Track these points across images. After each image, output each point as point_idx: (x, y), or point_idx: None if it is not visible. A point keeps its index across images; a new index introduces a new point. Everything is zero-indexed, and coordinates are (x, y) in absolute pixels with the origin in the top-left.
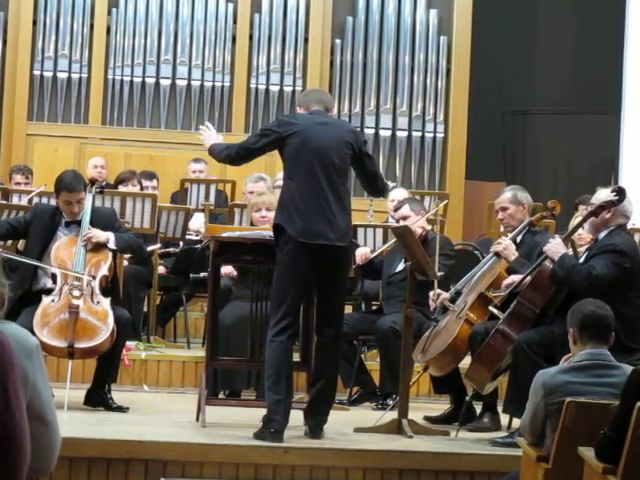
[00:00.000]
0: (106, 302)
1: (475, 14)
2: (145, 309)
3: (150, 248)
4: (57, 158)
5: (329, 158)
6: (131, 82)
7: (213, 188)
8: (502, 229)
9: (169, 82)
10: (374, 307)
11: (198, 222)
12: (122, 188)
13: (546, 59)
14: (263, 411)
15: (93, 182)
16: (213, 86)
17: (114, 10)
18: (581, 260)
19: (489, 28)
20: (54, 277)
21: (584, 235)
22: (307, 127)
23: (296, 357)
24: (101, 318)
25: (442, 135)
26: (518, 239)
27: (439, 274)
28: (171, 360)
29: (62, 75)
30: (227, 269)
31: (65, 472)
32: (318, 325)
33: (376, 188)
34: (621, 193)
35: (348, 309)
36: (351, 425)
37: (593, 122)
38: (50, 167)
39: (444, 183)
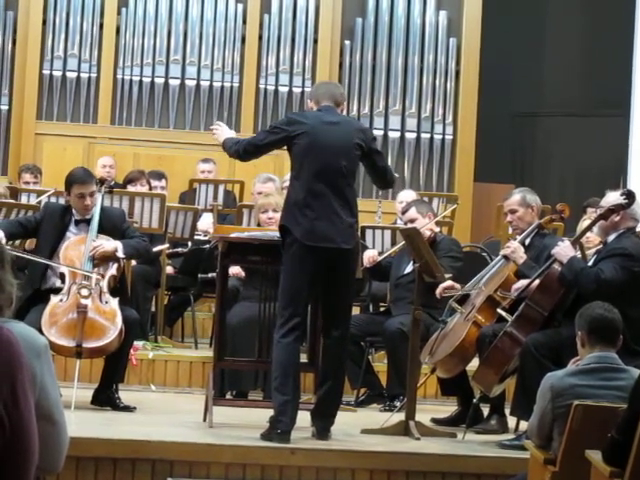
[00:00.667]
0: (114, 302)
1: (484, 16)
2: (153, 309)
3: (158, 248)
4: (66, 157)
5: (337, 160)
6: (140, 82)
7: (222, 188)
8: (511, 231)
9: (178, 82)
10: (382, 309)
11: (206, 222)
12: (131, 188)
13: (555, 61)
14: (270, 412)
15: (102, 182)
16: (222, 86)
17: (124, 10)
18: (590, 263)
19: (498, 30)
20: (62, 276)
21: (592, 238)
22: (316, 127)
23: (303, 358)
24: (109, 318)
25: (451, 137)
26: (527, 242)
27: (447, 276)
28: (178, 360)
29: (71, 75)
30: (235, 270)
31: (72, 472)
32: (324, 327)
33: (385, 182)
34: (630, 196)
35: (356, 310)
36: (358, 426)
37: (602, 125)
38: (59, 166)
39: (453, 185)
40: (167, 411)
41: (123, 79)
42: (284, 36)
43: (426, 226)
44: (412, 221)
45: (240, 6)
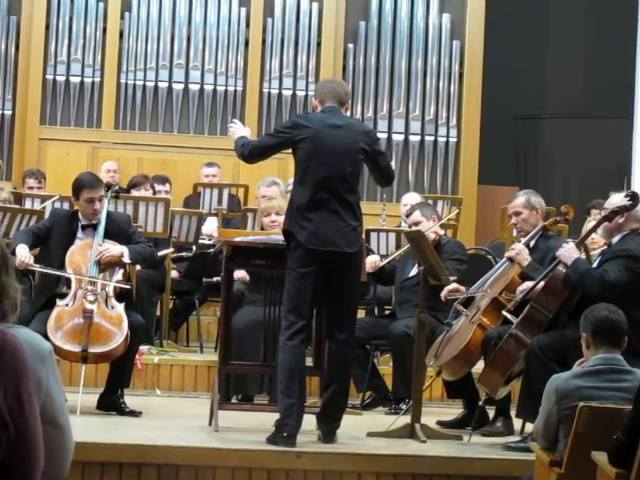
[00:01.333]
0: (120, 307)
1: (488, 18)
2: (158, 313)
3: (163, 252)
4: (70, 162)
5: (341, 165)
6: (144, 86)
7: (226, 192)
8: (515, 234)
9: (182, 86)
10: (387, 312)
11: (211, 226)
12: (135, 192)
13: (559, 63)
14: (276, 416)
15: (109, 187)
16: (226, 90)
17: (127, 14)
18: (594, 265)
19: (502, 32)
20: (68, 281)
21: (597, 239)
22: (320, 131)
23: (309, 362)
24: (115, 323)
25: (455, 139)
26: (531, 244)
27: (452, 279)
28: (184, 364)
29: (75, 79)
30: (240, 274)
31: (78, 477)
32: (329, 330)
33: (389, 181)
34: (635, 198)
35: (361, 313)
36: (364, 430)
37: (606, 126)
38: (63, 171)
39: (457, 187)
40: (173, 415)
41: (127, 83)
42: (287, 39)
43: (431, 229)
44: (416, 224)
45: (243, 10)
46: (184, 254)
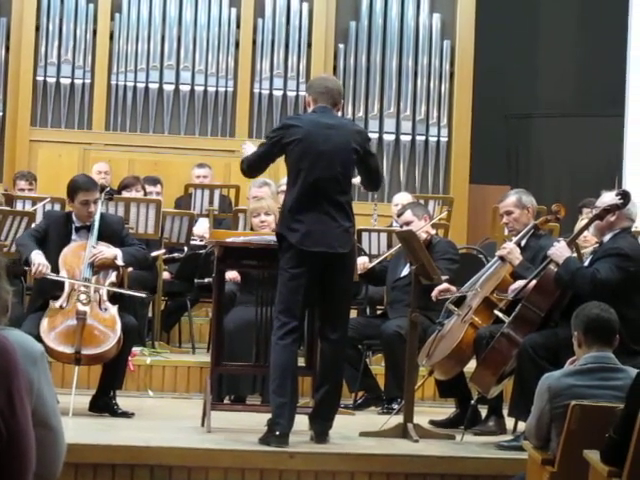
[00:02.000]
0: (114, 309)
1: (478, 18)
2: (150, 315)
3: (154, 254)
4: (61, 164)
5: (333, 166)
6: (134, 87)
7: (217, 193)
8: (507, 233)
9: (172, 87)
10: (379, 311)
11: (202, 227)
12: (126, 194)
13: (549, 62)
14: (268, 416)
15: (102, 189)
16: (216, 91)
17: (117, 15)
18: (586, 263)
19: (492, 32)
20: (61, 283)
21: (590, 237)
22: (311, 131)
23: (301, 362)
24: (108, 325)
25: (446, 139)
26: (522, 243)
27: (444, 278)
28: (176, 365)
29: (65, 81)
30: (232, 274)
31: (70, 478)
32: (322, 330)
33: (376, 185)
34: (626, 196)
35: (353, 313)
36: (356, 429)
37: (597, 125)
38: (54, 173)
39: (448, 187)
40: (165, 417)
41: (117, 85)
42: (278, 40)
43: (422, 228)
44: (408, 224)
45: (234, 10)
46: (176, 255)
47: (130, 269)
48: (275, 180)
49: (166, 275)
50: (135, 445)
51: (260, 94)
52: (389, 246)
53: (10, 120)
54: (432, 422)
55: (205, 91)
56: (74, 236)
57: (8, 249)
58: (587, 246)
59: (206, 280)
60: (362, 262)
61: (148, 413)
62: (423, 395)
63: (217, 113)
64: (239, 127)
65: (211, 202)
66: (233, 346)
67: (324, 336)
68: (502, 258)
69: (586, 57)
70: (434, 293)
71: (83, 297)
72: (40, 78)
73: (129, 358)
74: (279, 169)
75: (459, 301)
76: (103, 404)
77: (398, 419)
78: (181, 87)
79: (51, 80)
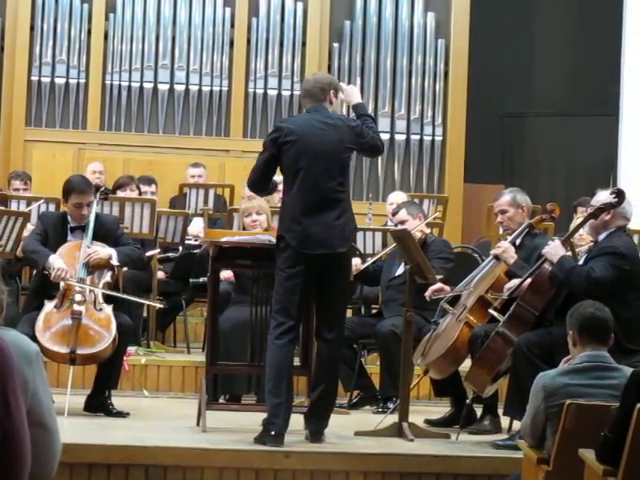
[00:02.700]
0: (109, 309)
1: (472, 17)
2: (145, 314)
3: (149, 253)
4: (55, 164)
5: (328, 166)
6: (129, 87)
7: (212, 193)
8: (501, 232)
9: (167, 87)
10: (374, 311)
11: (197, 227)
12: (120, 193)
13: (544, 61)
14: (264, 415)
15: (97, 188)
16: (211, 91)
17: (112, 15)
18: (580, 262)
19: (487, 30)
20: (56, 283)
21: (585, 236)
22: (306, 132)
23: (296, 361)
24: (103, 325)
25: (440, 138)
26: (517, 242)
27: (438, 277)
28: (171, 365)
29: (60, 81)
30: (226, 274)
31: (66, 478)
32: (318, 329)
33: (379, 152)
34: (620, 195)
35: (348, 313)
36: (352, 429)
37: (591, 124)
38: (49, 173)
39: (443, 186)
40: (160, 416)
41: (112, 84)
42: (272, 39)
43: (417, 228)
44: (402, 223)
45: (228, 10)
46: (170, 255)
47: (125, 269)
48: None
49: (161, 275)
50: (130, 445)
51: (255, 93)
52: (384, 245)
53: (5, 120)
54: (427, 421)
55: (200, 91)
56: (69, 236)
57: (3, 249)
58: (583, 244)
59: (201, 280)
60: (354, 263)
61: (143, 413)
62: (418, 394)
63: (212, 113)
64: (234, 126)
65: (206, 202)
66: (228, 346)
67: (320, 336)
68: (497, 257)
69: (581, 56)
70: (427, 293)
71: (78, 297)
72: (35, 78)
73: (124, 358)
74: None
75: (454, 300)
76: (98, 404)
77: (393, 418)
78: (176, 87)
79: (46, 80)
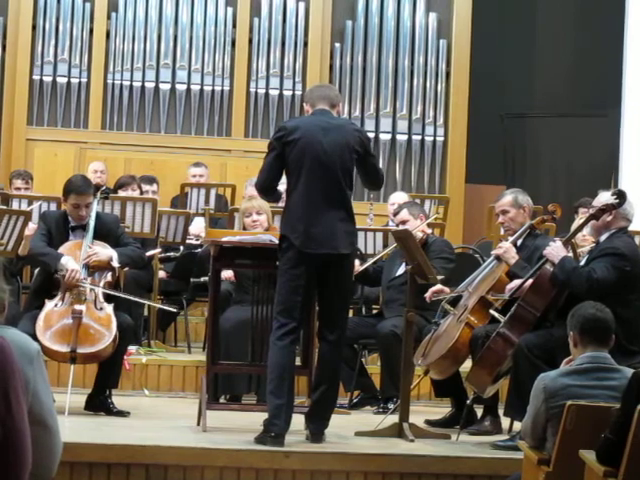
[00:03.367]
0: (109, 308)
1: (474, 17)
2: (145, 314)
3: (150, 253)
4: (57, 163)
5: (332, 167)
6: (131, 86)
7: (213, 192)
8: (503, 232)
9: (169, 86)
10: (375, 311)
11: (198, 226)
12: (122, 193)
13: (545, 62)
14: (264, 415)
15: (98, 188)
16: (213, 90)
17: (113, 14)
18: (582, 263)
19: (488, 31)
20: (57, 282)
21: (587, 237)
22: (310, 133)
23: (297, 361)
24: (104, 324)
25: (442, 138)
26: (519, 242)
27: (439, 277)
28: (172, 365)
29: (62, 80)
30: (227, 273)
31: (66, 477)
32: (320, 330)
33: (377, 184)
34: (622, 196)
35: (349, 313)
36: (352, 429)
37: (593, 125)
38: (50, 172)
39: (444, 186)
40: (161, 416)
41: (113, 84)
42: (274, 39)
43: (418, 228)
44: (404, 223)
45: (230, 10)
46: (171, 254)
47: (126, 268)
48: None
49: (162, 274)
50: (131, 444)
51: (256, 93)
52: (385, 246)
53: (6, 119)
54: (428, 422)
55: (201, 90)
56: (71, 236)
57: (4, 248)
58: (585, 245)
59: (202, 279)
60: None
61: (144, 412)
62: (419, 395)
63: (213, 112)
64: (235, 126)
65: (207, 201)
66: (229, 345)
67: (323, 336)
68: (498, 257)
69: (582, 57)
70: (427, 294)
71: (79, 296)
72: (36, 77)
73: (125, 357)
74: None
75: (455, 301)
76: (99, 403)
77: (394, 419)
78: (177, 86)
79: (47, 79)
